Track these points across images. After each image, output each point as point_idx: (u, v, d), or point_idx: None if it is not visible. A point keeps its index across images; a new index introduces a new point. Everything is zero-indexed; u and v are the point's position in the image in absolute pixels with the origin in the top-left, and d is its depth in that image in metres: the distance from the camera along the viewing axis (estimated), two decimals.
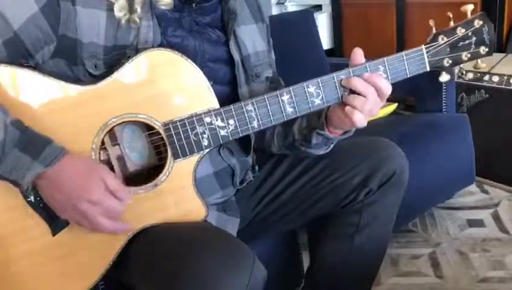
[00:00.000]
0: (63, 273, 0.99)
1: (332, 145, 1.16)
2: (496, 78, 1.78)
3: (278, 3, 3.33)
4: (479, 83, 2.19)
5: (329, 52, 3.12)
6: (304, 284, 1.41)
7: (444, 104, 2.03)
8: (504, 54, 2.34)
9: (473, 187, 2.21)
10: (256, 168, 1.26)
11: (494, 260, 1.78)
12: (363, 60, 1.04)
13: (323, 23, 3.21)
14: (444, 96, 2.01)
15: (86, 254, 1.00)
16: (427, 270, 1.76)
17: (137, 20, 0.99)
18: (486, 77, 2.18)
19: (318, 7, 3.30)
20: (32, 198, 0.95)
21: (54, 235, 0.97)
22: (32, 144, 0.90)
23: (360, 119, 1.01)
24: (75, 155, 0.93)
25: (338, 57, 3.14)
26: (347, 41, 3.21)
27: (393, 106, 2.18)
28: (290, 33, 2.09)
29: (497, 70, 2.18)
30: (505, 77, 2.13)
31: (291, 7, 3.31)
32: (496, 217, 2.04)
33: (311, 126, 1.12)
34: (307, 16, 2.34)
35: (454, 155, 1.95)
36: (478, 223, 2.02)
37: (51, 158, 0.90)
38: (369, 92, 1.00)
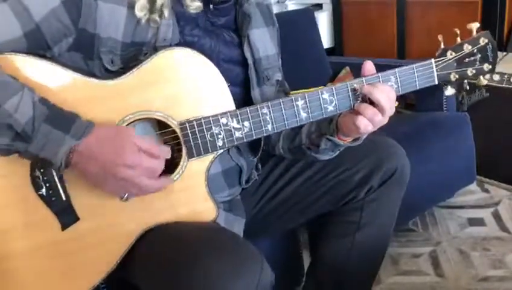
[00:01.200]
0: (69, 269, 0.99)
1: (338, 152, 1.16)
2: (496, 77, 1.78)
3: (278, 2, 3.33)
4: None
5: (330, 51, 3.11)
6: (305, 282, 1.41)
7: (444, 103, 2.03)
8: (504, 53, 2.34)
9: (473, 186, 2.21)
10: (259, 166, 1.26)
11: (494, 259, 1.78)
12: (374, 71, 1.05)
13: (323, 21, 3.21)
14: (444, 95, 2.01)
15: (93, 251, 0.99)
16: (428, 269, 1.77)
17: (158, 19, 0.99)
18: (486, 81, 2.18)
19: (318, 6, 3.30)
20: (44, 191, 0.94)
21: (63, 230, 0.97)
22: (61, 119, 0.90)
23: (365, 125, 1.02)
24: (102, 125, 0.93)
25: (338, 55, 3.14)
26: (347, 40, 3.21)
27: None
28: (291, 32, 2.09)
29: (498, 69, 2.17)
30: (506, 76, 2.12)
31: (291, 6, 3.30)
32: (497, 216, 2.04)
33: (320, 131, 1.13)
34: (307, 14, 2.34)
35: (455, 154, 1.95)
36: (478, 222, 2.02)
37: (81, 131, 0.90)
38: (382, 100, 1.01)
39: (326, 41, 3.17)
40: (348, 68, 2.27)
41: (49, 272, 0.98)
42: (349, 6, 3.18)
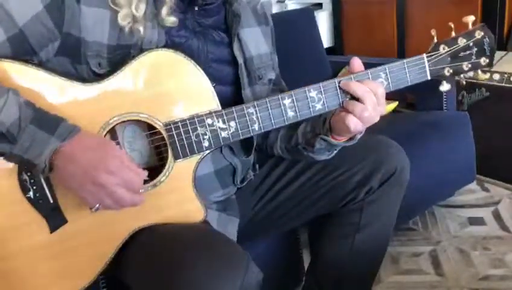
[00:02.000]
0: (59, 271, 0.99)
1: (335, 152, 1.15)
2: (496, 76, 1.78)
3: (278, 2, 3.33)
4: (480, 81, 2.19)
5: (330, 51, 3.11)
6: (305, 282, 1.42)
7: (444, 102, 2.02)
8: (505, 52, 2.34)
9: (473, 185, 2.21)
10: (257, 166, 1.26)
11: (494, 258, 1.78)
12: (362, 67, 1.04)
13: (323, 21, 3.21)
14: (444, 94, 2.01)
15: (83, 252, 1.00)
16: (428, 268, 1.77)
17: (141, 29, 0.99)
18: (487, 75, 2.19)
19: (318, 5, 3.30)
20: (31, 194, 0.95)
21: (51, 232, 0.97)
22: (47, 121, 0.90)
23: (355, 124, 1.01)
24: (88, 132, 0.93)
25: (339, 55, 3.14)
26: (348, 40, 3.21)
27: (393, 104, 2.18)
28: (291, 31, 2.09)
29: (498, 68, 2.17)
30: (506, 75, 2.13)
31: (291, 5, 3.30)
32: (497, 215, 2.04)
33: (315, 131, 1.12)
34: (307, 14, 2.34)
35: (455, 153, 1.95)
36: (479, 221, 2.02)
37: (66, 133, 0.90)
38: (367, 96, 1.00)
39: (326, 40, 3.17)
40: (348, 67, 2.27)
41: (39, 273, 0.98)
42: (349, 6, 3.18)
